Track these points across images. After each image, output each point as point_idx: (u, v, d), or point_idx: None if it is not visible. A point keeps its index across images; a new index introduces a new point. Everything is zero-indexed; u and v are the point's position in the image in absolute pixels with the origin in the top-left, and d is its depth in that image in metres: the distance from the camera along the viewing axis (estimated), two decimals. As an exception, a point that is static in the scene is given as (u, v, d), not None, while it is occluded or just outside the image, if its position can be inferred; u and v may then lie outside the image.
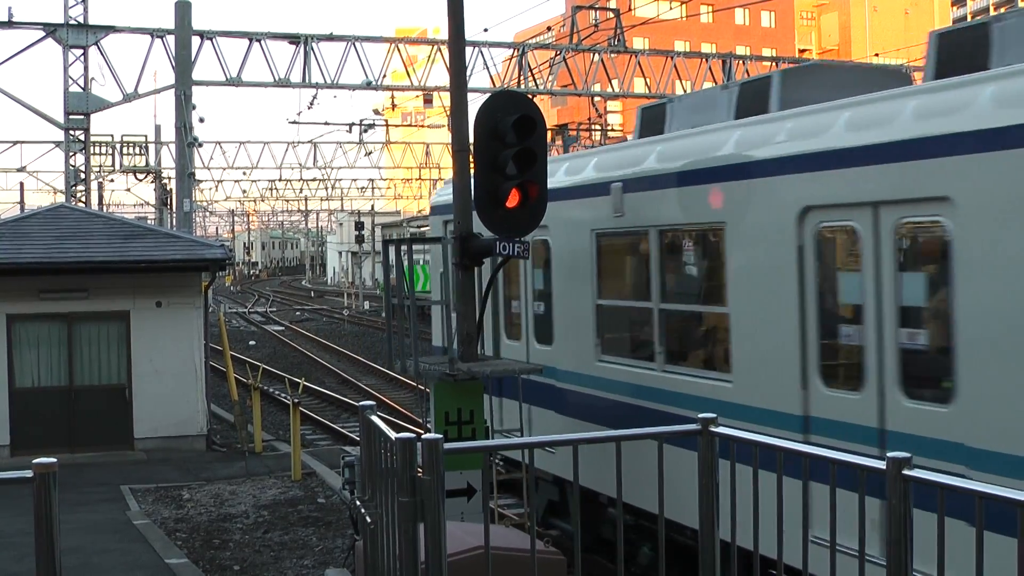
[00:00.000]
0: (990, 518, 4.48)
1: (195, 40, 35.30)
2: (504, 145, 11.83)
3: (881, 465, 4.78)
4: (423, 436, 5.25)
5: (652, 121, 13.44)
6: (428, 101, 70.23)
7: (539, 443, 6.34)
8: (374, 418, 6.37)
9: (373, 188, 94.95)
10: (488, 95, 13.00)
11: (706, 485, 5.95)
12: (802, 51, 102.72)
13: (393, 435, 5.61)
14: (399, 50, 40.99)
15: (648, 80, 44.84)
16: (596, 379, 12.90)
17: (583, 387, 13.26)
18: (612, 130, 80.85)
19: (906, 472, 4.65)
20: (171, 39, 34.99)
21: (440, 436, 5.29)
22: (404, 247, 12.94)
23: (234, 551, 15.80)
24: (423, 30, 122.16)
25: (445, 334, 13.59)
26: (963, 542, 4.97)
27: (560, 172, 13.82)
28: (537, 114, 12.01)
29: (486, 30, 45.96)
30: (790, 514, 5.46)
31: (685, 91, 46.04)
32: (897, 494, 4.66)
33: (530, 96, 19.40)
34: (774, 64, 50.11)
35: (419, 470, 5.30)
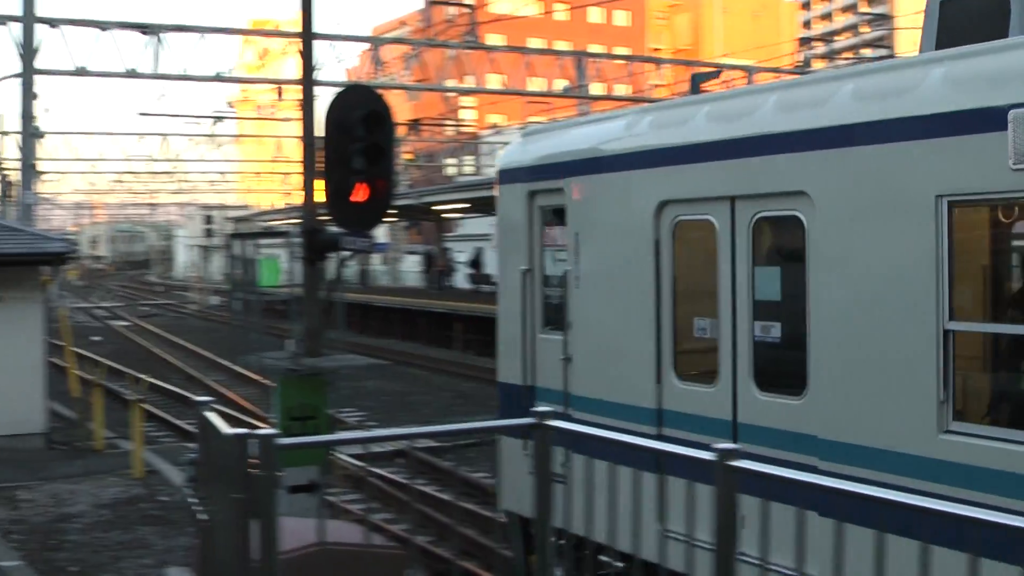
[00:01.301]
0: (824, 507, 4.69)
1: (41, 28, 34.27)
2: (353, 139, 11.74)
3: (710, 456, 4.89)
4: (256, 431, 5.15)
5: None
6: (281, 94, 69.46)
7: (373, 438, 6.30)
8: (209, 414, 6.23)
9: (224, 182, 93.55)
10: (338, 89, 12.86)
11: (541, 475, 5.97)
12: (654, 50, 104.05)
13: (226, 430, 5.49)
14: (252, 42, 40.45)
15: (504, 77, 44.98)
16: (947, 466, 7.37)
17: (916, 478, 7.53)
18: (465, 125, 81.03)
19: (731, 463, 4.75)
20: (16, 26, 33.92)
21: (275, 431, 5.20)
22: (250, 241, 12.74)
23: (72, 552, 15.37)
24: (277, 23, 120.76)
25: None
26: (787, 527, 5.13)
27: (838, 96, 8.38)
28: (386, 109, 11.95)
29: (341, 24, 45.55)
30: (631, 504, 5.68)
31: (538, 87, 46.34)
32: (724, 484, 4.77)
33: (384, 91, 19.29)
34: (627, 63, 50.71)
35: (254, 465, 5.20)
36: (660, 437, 9.52)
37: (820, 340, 8.24)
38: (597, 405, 10.48)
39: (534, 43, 76.37)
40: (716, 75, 12.37)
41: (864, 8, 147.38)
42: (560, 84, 47.54)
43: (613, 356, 10.49)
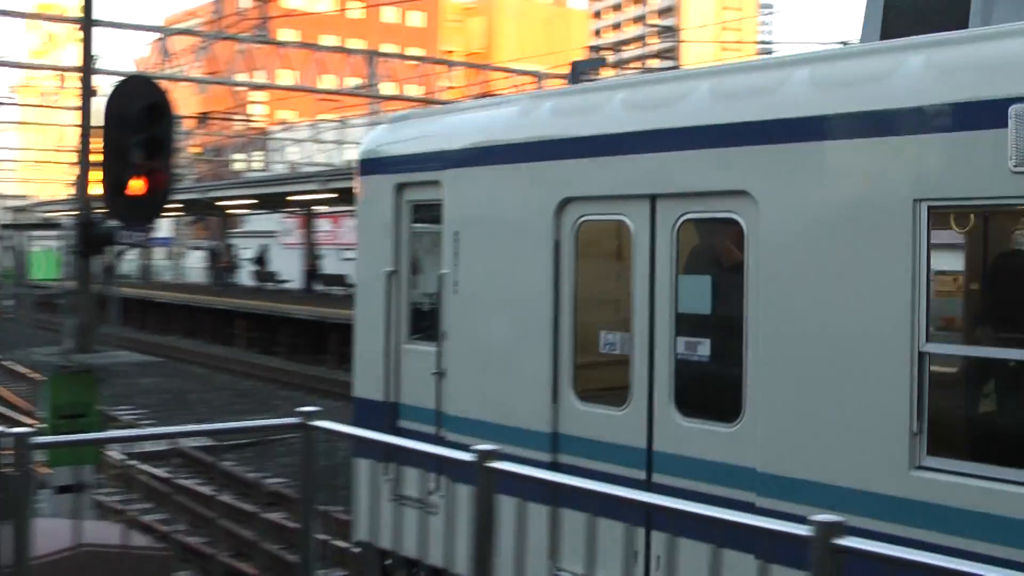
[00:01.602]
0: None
1: None
2: (132, 132, 11.46)
3: (469, 457, 5.06)
4: (9, 430, 5.00)
5: None
6: (64, 81, 67.28)
7: (143, 436, 6.19)
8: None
9: (3, 171, 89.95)
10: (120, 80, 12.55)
11: (305, 476, 6.04)
12: (447, 52, 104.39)
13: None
14: (37, 27, 39.11)
15: (296, 73, 44.50)
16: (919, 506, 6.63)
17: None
18: (254, 121, 79.81)
19: (489, 464, 4.87)
20: None
21: (29, 430, 5.06)
22: (25, 232, 12.33)
23: None
24: (64, 8, 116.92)
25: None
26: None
27: (791, 85, 7.58)
28: (166, 102, 11.70)
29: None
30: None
31: (329, 85, 46.01)
32: (483, 485, 4.90)
33: (172, 82, 18.91)
34: (419, 64, 50.74)
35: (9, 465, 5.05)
36: (556, 465, 8.55)
37: (761, 360, 7.32)
38: (478, 427, 9.27)
39: (327, 40, 75.60)
40: (602, 63, 11.92)
41: (653, 20, 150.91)
42: (352, 82, 47.28)
43: (499, 371, 9.39)
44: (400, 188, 10.48)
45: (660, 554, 7.73)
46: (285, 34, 71.61)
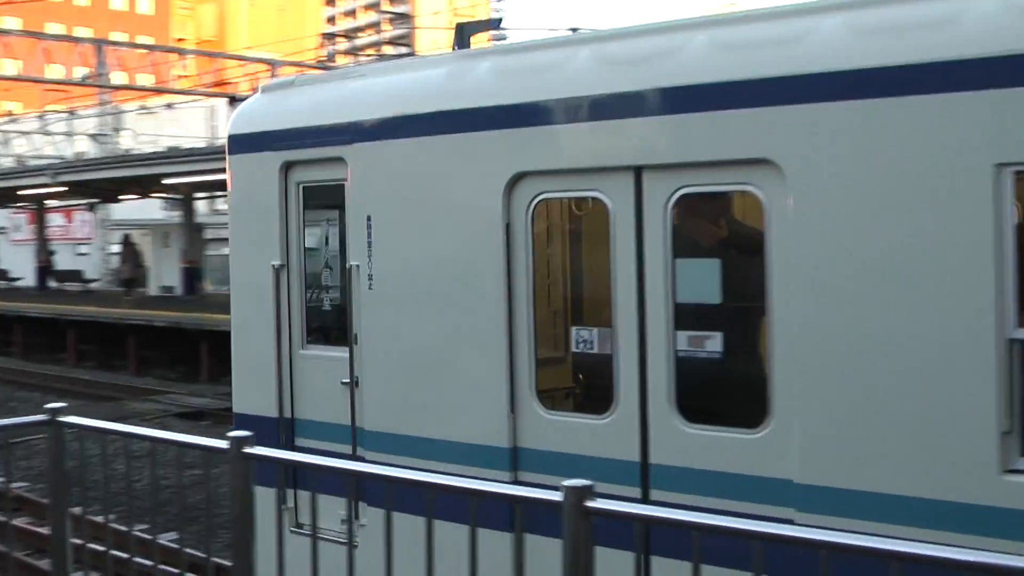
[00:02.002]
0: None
1: None
2: None
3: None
4: None
5: None
6: None
7: None
8: None
9: None
10: None
11: (54, 479, 5.76)
12: (179, 40, 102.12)
13: None
14: None
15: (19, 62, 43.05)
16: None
17: None
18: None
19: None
20: None
21: None
22: None
23: None
24: None
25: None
26: None
27: (823, 32, 6.50)
28: None
29: None
30: None
31: (56, 75, 44.65)
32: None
33: None
34: (150, 52, 49.74)
35: None
36: (519, 485, 7.24)
37: (796, 355, 6.33)
38: (409, 444, 8.01)
39: (53, 28, 73.08)
40: (496, 25, 10.11)
41: (386, 6, 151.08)
42: (80, 72, 46.01)
43: (434, 378, 8.04)
44: (287, 167, 8.94)
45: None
46: (8, 22, 68.95)
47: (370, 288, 8.33)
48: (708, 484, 6.64)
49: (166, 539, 9.57)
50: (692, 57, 6.85)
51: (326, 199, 8.89)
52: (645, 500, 6.88)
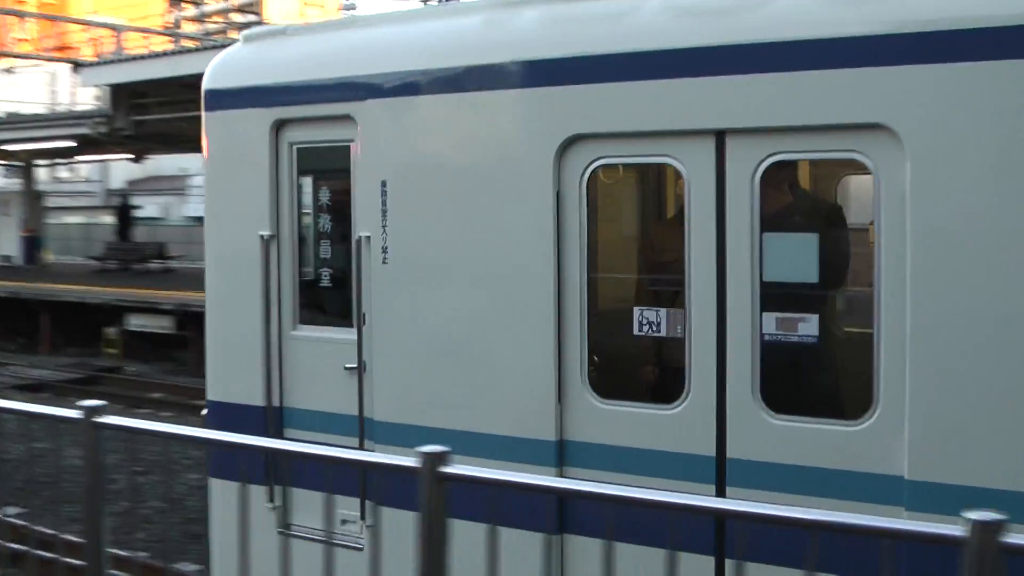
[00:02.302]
0: None
1: None
2: None
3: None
4: None
5: None
6: None
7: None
8: None
9: None
10: None
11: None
12: (19, 1, 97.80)
13: None
14: None
15: None
16: None
17: None
18: None
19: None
20: None
21: None
22: None
23: None
24: None
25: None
26: None
27: None
28: None
29: None
30: None
31: None
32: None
33: None
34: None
35: None
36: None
37: (900, 337, 5.72)
38: (430, 436, 6.25)
39: None
40: None
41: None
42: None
43: (463, 363, 7.17)
44: (279, 126, 7.92)
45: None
46: None
47: (384, 262, 7.39)
48: (799, 480, 6.00)
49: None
50: (783, 9, 6.10)
51: (326, 162, 7.89)
52: (722, 496, 6.22)
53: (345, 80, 7.59)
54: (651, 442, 6.46)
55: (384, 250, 7.40)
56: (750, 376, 6.17)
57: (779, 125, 6.10)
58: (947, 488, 5.57)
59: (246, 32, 8.52)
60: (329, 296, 8.03)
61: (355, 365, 7.58)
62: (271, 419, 7.94)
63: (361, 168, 7.53)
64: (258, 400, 8.00)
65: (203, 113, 8.36)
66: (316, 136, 7.84)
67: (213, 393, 8.40)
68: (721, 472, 6.27)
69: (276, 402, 7.98)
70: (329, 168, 7.88)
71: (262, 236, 7.93)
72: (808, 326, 6.14)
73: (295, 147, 7.94)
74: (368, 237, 7.45)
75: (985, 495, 5.35)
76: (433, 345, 7.28)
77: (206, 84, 8.36)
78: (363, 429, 7.53)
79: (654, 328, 6.62)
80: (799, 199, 6.65)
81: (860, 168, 5.96)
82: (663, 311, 6.59)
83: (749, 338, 6.16)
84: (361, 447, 7.48)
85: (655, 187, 7.14)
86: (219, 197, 8.37)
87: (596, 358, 6.83)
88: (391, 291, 7.39)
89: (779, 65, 6.00)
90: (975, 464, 5.54)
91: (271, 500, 7.84)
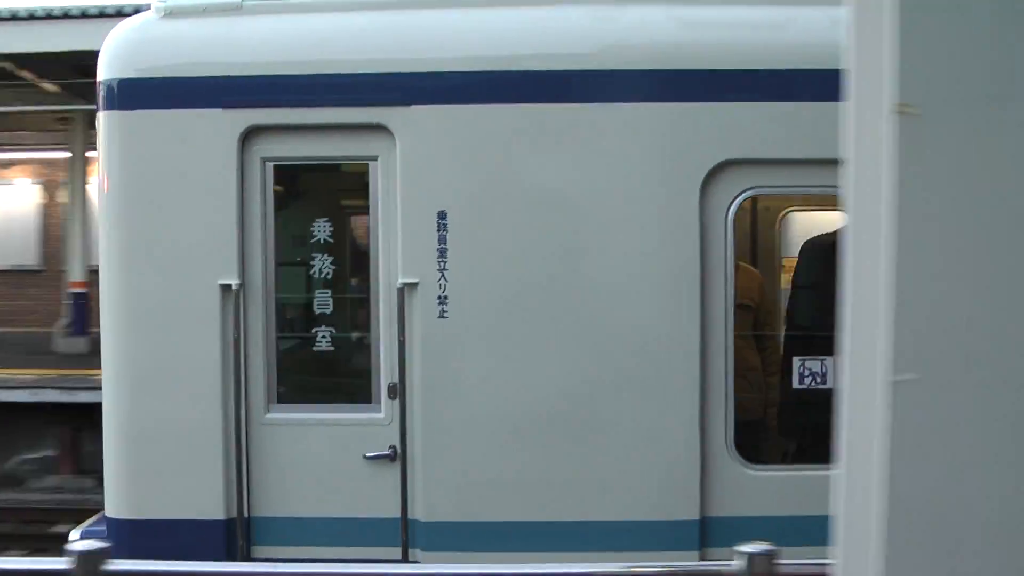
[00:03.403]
0: None
1: None
2: None
3: None
4: None
5: None
6: None
7: None
8: None
9: None
10: None
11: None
12: None
13: None
14: None
15: None
16: None
17: None
18: None
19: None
20: None
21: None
22: None
23: None
24: None
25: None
26: None
27: None
28: None
29: None
30: None
31: None
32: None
33: None
34: None
35: None
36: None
37: None
38: (515, 533, 5.69)
39: None
40: None
41: None
42: None
43: (564, 442, 5.72)
44: (248, 136, 5.87)
45: None
46: None
47: (441, 316, 5.73)
48: None
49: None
50: None
51: (325, 185, 6.22)
52: None
53: (375, 76, 5.79)
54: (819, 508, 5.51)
55: (442, 300, 5.73)
56: None
57: None
58: None
59: (174, 4, 5.98)
60: (328, 364, 6.13)
61: (381, 452, 5.86)
62: (241, 534, 5.83)
63: (404, 194, 5.76)
64: (216, 512, 5.84)
65: (105, 111, 5.95)
66: (309, 151, 5.91)
67: (128, 510, 5.95)
68: None
69: (244, 512, 5.86)
70: (330, 193, 6.16)
71: (222, 286, 5.80)
72: None
73: (270, 164, 5.90)
74: (415, 284, 5.74)
75: None
76: (516, 421, 5.78)
77: (112, 70, 5.92)
78: (407, 533, 5.81)
79: (818, 380, 5.82)
80: None
81: None
82: (828, 360, 5.76)
83: None
84: (404, 558, 5.79)
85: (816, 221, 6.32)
86: (136, 230, 5.92)
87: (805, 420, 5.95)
88: (454, 353, 5.78)
89: None
90: None
91: None
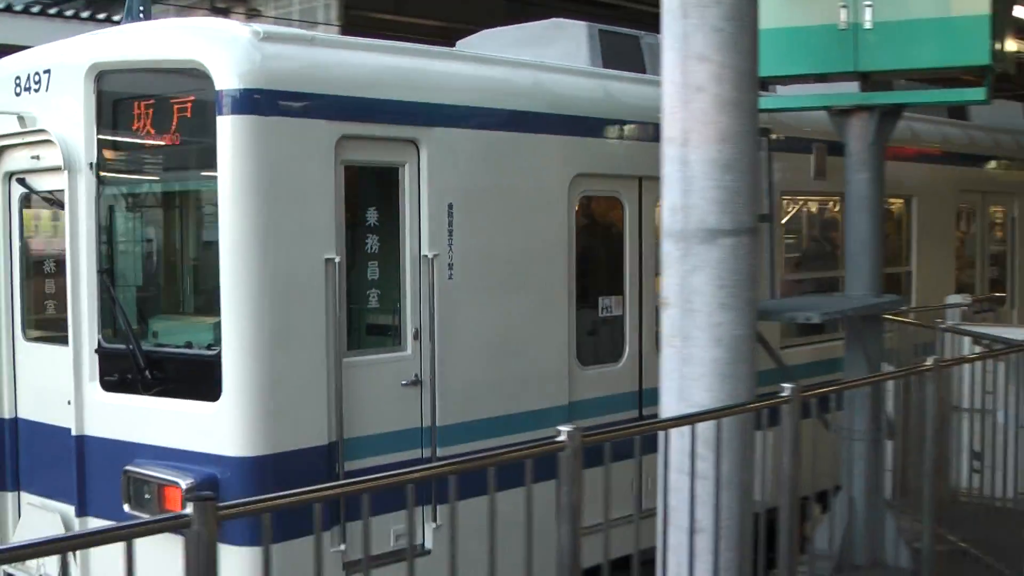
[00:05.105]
0: None
1: None
2: None
3: None
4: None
5: None
6: None
7: None
8: None
9: None
10: None
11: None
12: None
13: None
14: None
15: None
16: None
17: None
18: None
19: None
20: None
21: None
22: None
23: None
24: None
25: None
26: None
27: None
28: None
29: None
30: None
31: None
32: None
33: None
34: None
35: None
36: None
37: None
38: (492, 425, 8.34)
39: None
40: None
41: None
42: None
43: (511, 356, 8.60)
44: (339, 143, 7.42)
45: None
46: None
47: (450, 278, 8.02)
48: None
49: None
50: None
51: (371, 182, 7.99)
52: None
53: (411, 105, 7.87)
54: None
55: (450, 267, 8.02)
56: None
57: None
58: None
59: (264, 28, 7.47)
60: (378, 318, 8.12)
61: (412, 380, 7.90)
62: (341, 455, 7.44)
63: (430, 190, 7.90)
64: (321, 438, 7.38)
65: (241, 116, 7.15)
66: (367, 156, 7.72)
67: (251, 447, 7.19)
68: None
69: (335, 436, 7.44)
70: (374, 188, 7.99)
71: (327, 261, 7.37)
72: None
73: (343, 165, 7.51)
74: (435, 256, 7.94)
75: None
76: (495, 347, 8.41)
77: (238, 81, 7.12)
78: (434, 437, 7.89)
79: None
80: None
81: None
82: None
83: None
84: (433, 455, 7.84)
85: None
86: (271, 216, 7.22)
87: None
88: (461, 305, 8.11)
89: None
90: None
91: (336, 544, 7.33)
